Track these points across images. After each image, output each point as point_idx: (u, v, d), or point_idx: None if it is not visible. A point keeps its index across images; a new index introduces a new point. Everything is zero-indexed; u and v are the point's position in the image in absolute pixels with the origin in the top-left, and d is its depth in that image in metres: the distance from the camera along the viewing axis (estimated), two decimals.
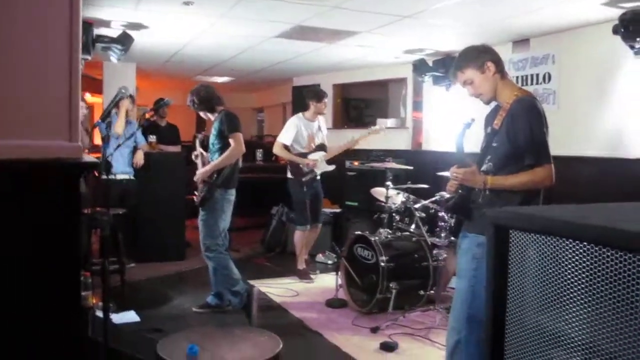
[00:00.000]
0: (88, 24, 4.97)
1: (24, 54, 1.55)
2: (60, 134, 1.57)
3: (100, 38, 5.29)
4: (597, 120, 5.19)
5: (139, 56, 7.32)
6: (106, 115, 3.29)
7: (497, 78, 2.93)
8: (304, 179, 6.03)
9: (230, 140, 4.74)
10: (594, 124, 5.21)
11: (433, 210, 5.14)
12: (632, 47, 4.43)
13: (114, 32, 5.56)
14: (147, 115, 4.59)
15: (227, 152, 4.74)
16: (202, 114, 5.01)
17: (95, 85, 8.52)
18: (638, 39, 4.31)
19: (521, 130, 2.74)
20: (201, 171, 4.84)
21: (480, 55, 2.93)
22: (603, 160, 5.10)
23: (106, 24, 5.46)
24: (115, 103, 3.21)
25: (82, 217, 3.44)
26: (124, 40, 5.40)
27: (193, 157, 5.10)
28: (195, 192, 4.88)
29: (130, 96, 6.40)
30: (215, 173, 4.77)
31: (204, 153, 5.03)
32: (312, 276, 6.21)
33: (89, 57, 5.21)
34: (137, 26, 5.61)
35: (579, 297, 1.21)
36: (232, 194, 4.89)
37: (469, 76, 2.93)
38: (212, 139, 4.90)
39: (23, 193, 1.53)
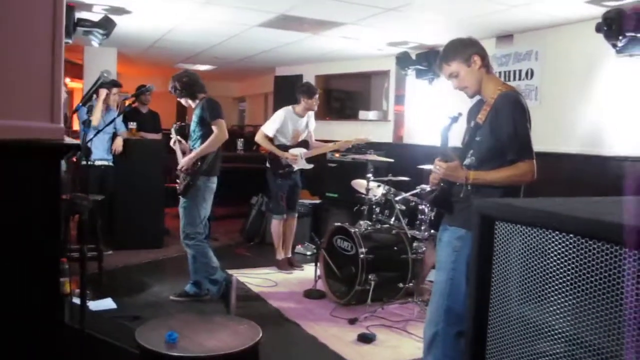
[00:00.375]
0: (69, 7, 4.88)
1: (5, 31, 1.51)
2: (41, 115, 1.53)
3: (82, 22, 5.19)
4: (578, 117, 5.25)
5: (121, 41, 7.23)
6: (87, 100, 3.23)
7: (483, 72, 2.93)
8: (280, 171, 6.03)
9: (213, 127, 4.70)
10: (574, 121, 5.26)
11: (413, 203, 5.16)
12: (614, 46, 4.46)
13: (95, 16, 5.47)
14: (128, 102, 4.56)
15: (211, 139, 4.69)
16: (183, 101, 4.94)
17: (75, 70, 8.40)
18: (620, 38, 4.35)
19: (505, 125, 2.75)
20: (186, 159, 4.77)
21: (467, 48, 2.92)
22: (582, 157, 5.16)
23: (88, 7, 5.37)
24: (97, 87, 3.16)
25: (62, 202, 3.40)
26: (106, 24, 5.31)
27: (171, 144, 5.06)
28: (177, 180, 4.83)
29: (115, 82, 6.32)
30: (199, 160, 4.71)
31: (182, 141, 4.99)
32: (296, 269, 6.23)
33: (70, 41, 5.12)
34: (120, 10, 5.53)
35: (563, 289, 1.21)
36: (214, 182, 4.85)
37: (455, 69, 2.93)
38: (194, 126, 4.85)
39: (1, 175, 1.50)
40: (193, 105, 4.92)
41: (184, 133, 5.06)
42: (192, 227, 4.76)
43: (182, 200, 4.80)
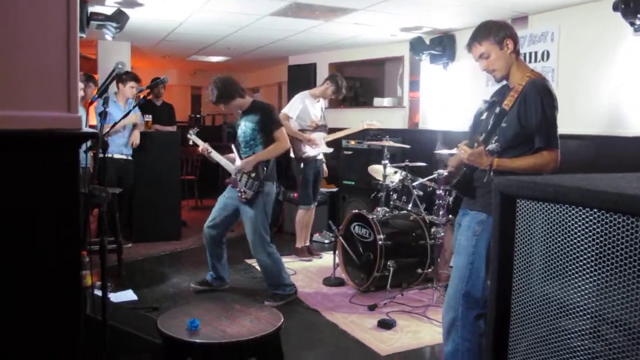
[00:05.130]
0: (82, 1, 4.90)
1: (20, 23, 1.52)
2: (58, 105, 1.54)
3: (95, 15, 5.21)
4: (596, 98, 5.17)
5: (133, 35, 7.24)
6: (103, 91, 3.24)
7: (513, 57, 2.90)
8: (303, 156, 6.01)
9: (277, 134, 4.62)
10: (592, 101, 5.19)
11: (430, 189, 5.14)
12: (632, 24, 4.40)
13: (108, 9, 5.48)
14: (142, 94, 4.57)
15: (275, 146, 4.62)
16: (223, 106, 4.76)
17: (89, 66, 8.43)
18: (638, 16, 4.28)
19: (534, 112, 2.72)
20: (250, 161, 4.59)
21: (501, 31, 2.89)
22: (601, 138, 5.08)
23: (101, 1, 5.38)
24: (112, 78, 3.16)
25: (81, 194, 3.42)
26: (119, 17, 5.33)
27: (205, 153, 4.89)
28: (240, 189, 4.62)
29: (134, 76, 6.33)
30: (263, 166, 4.60)
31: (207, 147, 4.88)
32: (315, 257, 6.24)
33: (84, 35, 5.14)
34: (132, 3, 5.53)
35: (588, 265, 1.20)
36: (275, 187, 4.81)
37: (486, 49, 2.89)
38: (249, 132, 4.66)
39: (20, 166, 1.50)
40: (233, 107, 4.79)
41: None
42: (267, 235, 4.66)
43: (247, 209, 4.61)
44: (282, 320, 2.74)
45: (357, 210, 5.27)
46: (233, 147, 4.81)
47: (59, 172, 1.53)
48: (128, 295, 4.80)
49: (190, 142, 5.04)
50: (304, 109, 6.05)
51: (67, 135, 1.53)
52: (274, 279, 4.72)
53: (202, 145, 4.89)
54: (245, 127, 4.70)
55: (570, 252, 1.23)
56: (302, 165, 6.04)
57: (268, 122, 4.65)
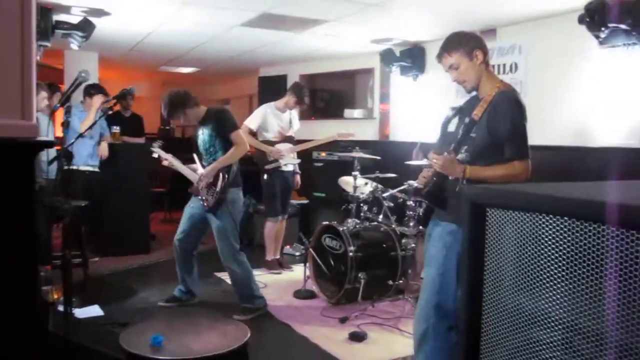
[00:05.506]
0: (46, 9, 4.82)
1: None
2: (12, 113, 1.47)
3: (60, 24, 5.12)
4: (563, 109, 5.24)
5: (101, 45, 7.13)
6: (65, 100, 3.16)
7: (483, 68, 2.90)
8: (267, 167, 5.98)
9: (233, 138, 4.55)
10: (560, 113, 5.26)
11: (401, 200, 5.13)
12: (597, 37, 4.46)
13: (74, 18, 5.39)
14: (109, 104, 4.47)
15: (233, 151, 4.53)
16: (181, 119, 4.73)
17: (56, 76, 8.28)
18: (603, 29, 4.35)
19: (503, 123, 2.73)
20: (208, 170, 4.54)
21: (470, 42, 2.90)
22: (568, 149, 5.15)
23: (66, 9, 5.28)
24: (76, 87, 3.09)
25: (43, 207, 3.33)
26: (85, 26, 5.24)
27: (166, 164, 4.84)
28: (203, 198, 4.57)
29: (100, 88, 6.24)
30: (225, 173, 4.53)
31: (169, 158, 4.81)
32: (285, 270, 6.20)
33: (49, 44, 5.05)
34: (99, 12, 5.44)
35: (558, 275, 1.17)
36: (241, 192, 4.73)
37: (456, 60, 2.89)
38: (207, 140, 4.61)
39: None
40: (189, 119, 4.72)
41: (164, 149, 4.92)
42: (237, 243, 4.60)
43: (214, 218, 4.54)
44: (248, 335, 2.68)
45: (327, 223, 5.23)
46: (195, 156, 4.75)
47: (13, 182, 1.46)
48: (94, 310, 4.68)
49: (155, 155, 4.94)
50: (265, 120, 6.03)
51: (21, 143, 1.46)
52: (244, 290, 4.65)
53: (168, 158, 4.82)
54: (203, 135, 4.66)
55: (541, 262, 1.21)
56: (265, 176, 6.02)
57: (223, 126, 4.60)
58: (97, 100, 6.00)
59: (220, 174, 4.52)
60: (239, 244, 4.64)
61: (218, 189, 4.50)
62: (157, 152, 4.90)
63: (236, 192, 4.63)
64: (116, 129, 6.71)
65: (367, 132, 7.84)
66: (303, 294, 5.20)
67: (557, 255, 1.17)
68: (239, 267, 4.58)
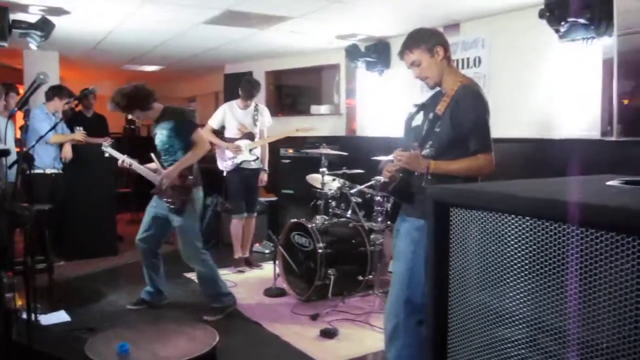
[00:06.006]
0: (3, 8, 4.68)
1: None
2: None
3: (17, 24, 4.98)
4: (526, 102, 5.31)
5: (62, 44, 6.98)
6: (23, 103, 3.08)
7: (444, 64, 2.92)
8: (225, 162, 6.07)
9: (194, 137, 4.48)
10: (523, 106, 5.33)
11: (369, 195, 5.15)
12: (557, 31, 4.52)
13: (32, 17, 5.25)
14: (71, 105, 4.38)
15: (195, 150, 4.45)
16: (134, 116, 4.66)
17: (16, 76, 8.09)
18: (563, 23, 4.41)
19: (465, 117, 2.75)
20: (170, 172, 4.44)
21: (431, 38, 2.91)
22: (532, 141, 5.22)
23: (23, 8, 5.14)
24: (34, 89, 3.01)
25: (3, 212, 3.24)
26: (44, 26, 5.10)
27: (126, 165, 4.68)
28: (166, 199, 4.49)
29: (64, 89, 6.12)
30: (188, 174, 4.46)
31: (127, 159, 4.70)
32: (255, 268, 6.21)
33: (5, 44, 4.91)
34: (58, 11, 5.32)
35: (521, 273, 1.18)
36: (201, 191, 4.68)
37: (417, 57, 2.91)
38: (166, 140, 4.50)
39: None
40: (145, 116, 4.64)
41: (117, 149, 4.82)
42: (200, 242, 4.56)
43: (177, 218, 4.46)
44: (217, 339, 2.65)
45: (296, 220, 5.22)
46: (153, 156, 4.64)
47: None
48: (60, 316, 4.58)
49: (107, 155, 4.82)
50: (225, 117, 6.13)
51: None
52: (211, 289, 4.63)
53: (121, 158, 4.70)
54: (161, 135, 4.54)
55: (504, 260, 1.22)
56: (225, 173, 6.12)
57: (182, 126, 4.51)
58: (59, 102, 5.87)
59: (185, 175, 4.47)
60: (202, 243, 4.60)
61: (184, 189, 4.45)
62: (108, 151, 4.78)
63: (198, 191, 4.59)
64: (79, 129, 6.58)
65: (334, 127, 7.84)
66: (273, 292, 5.19)
67: (520, 254, 1.18)
68: (204, 266, 4.55)
